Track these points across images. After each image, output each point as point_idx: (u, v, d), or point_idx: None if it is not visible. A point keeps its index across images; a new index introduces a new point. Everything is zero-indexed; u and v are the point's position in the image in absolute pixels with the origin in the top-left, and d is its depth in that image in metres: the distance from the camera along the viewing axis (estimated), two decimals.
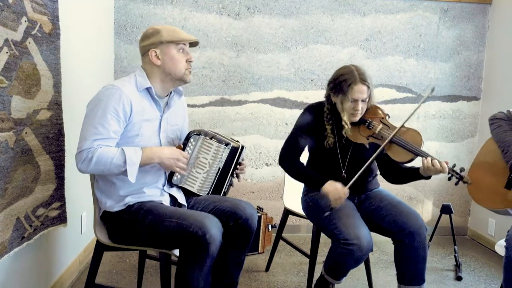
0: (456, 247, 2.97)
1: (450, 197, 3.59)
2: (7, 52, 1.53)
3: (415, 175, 1.99)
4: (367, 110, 2.00)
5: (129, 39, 3.20)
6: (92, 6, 2.65)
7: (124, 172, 1.67)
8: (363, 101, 1.94)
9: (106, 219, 1.83)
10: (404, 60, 3.45)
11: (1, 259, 1.56)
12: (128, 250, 1.85)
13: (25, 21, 1.65)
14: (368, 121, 1.97)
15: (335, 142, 2.02)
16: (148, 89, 1.80)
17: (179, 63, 1.80)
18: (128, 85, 1.75)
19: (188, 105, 3.29)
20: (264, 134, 3.38)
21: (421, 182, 3.49)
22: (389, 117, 2.02)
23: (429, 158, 1.85)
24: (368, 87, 1.93)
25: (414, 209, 2.03)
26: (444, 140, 3.54)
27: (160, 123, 1.84)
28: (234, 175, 1.97)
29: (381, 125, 1.95)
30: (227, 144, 1.87)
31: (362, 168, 1.92)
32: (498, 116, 2.11)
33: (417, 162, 1.93)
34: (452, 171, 1.85)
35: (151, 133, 1.80)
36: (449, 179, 1.88)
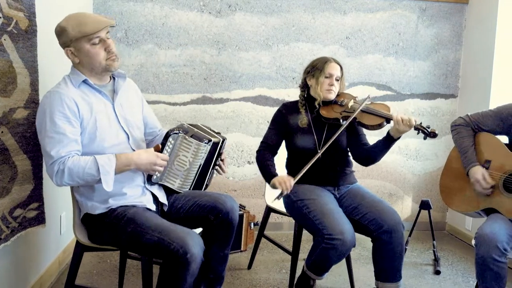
0: (434, 242, 3.03)
1: (429, 193, 3.66)
2: None
3: (386, 141, 2.12)
4: (338, 95, 2.23)
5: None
6: (70, 3, 2.60)
7: (99, 181, 1.63)
8: (337, 80, 2.18)
9: (87, 221, 1.80)
10: (384, 58, 3.49)
11: None
12: (109, 250, 1.82)
13: (0, 17, 1.61)
14: (341, 100, 2.21)
15: (310, 124, 2.20)
16: (85, 82, 1.75)
17: (97, 56, 1.71)
18: (64, 85, 1.72)
19: (170, 103, 3.26)
20: (246, 132, 3.38)
21: (401, 178, 3.55)
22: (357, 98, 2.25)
23: (398, 115, 2.02)
24: (341, 68, 2.21)
25: (392, 207, 2.07)
26: (422, 137, 3.59)
27: (115, 111, 1.80)
28: (216, 168, 1.96)
29: (352, 101, 2.19)
30: (208, 141, 1.83)
31: (336, 134, 2.06)
32: (458, 123, 2.25)
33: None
34: (419, 126, 2.04)
35: (109, 123, 1.76)
36: (418, 133, 2.08)
